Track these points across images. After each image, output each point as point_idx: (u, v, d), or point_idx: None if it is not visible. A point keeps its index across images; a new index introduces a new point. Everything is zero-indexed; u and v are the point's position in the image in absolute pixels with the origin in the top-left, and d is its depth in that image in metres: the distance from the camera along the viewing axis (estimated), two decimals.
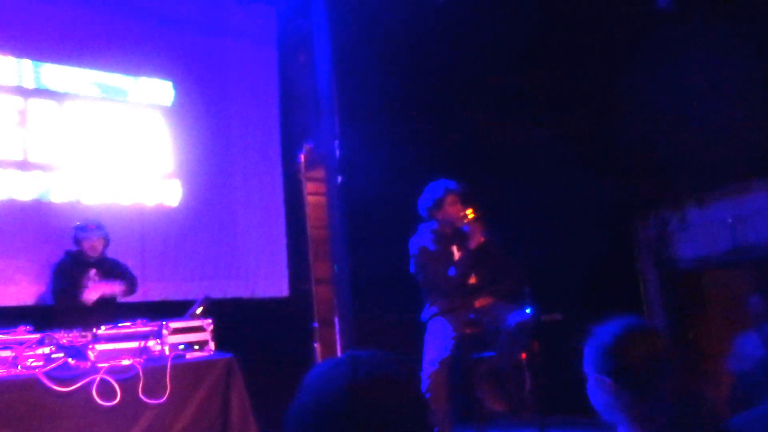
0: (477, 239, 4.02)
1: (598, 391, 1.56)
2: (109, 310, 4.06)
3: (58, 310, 4.14)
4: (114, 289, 4.21)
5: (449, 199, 4.12)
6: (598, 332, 1.58)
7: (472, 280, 4.08)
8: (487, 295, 4.10)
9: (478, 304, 4.05)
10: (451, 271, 4.03)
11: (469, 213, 4.05)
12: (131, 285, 4.35)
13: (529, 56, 5.49)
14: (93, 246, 4.25)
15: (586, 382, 1.60)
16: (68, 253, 4.34)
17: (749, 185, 4.94)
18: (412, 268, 4.18)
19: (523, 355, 4.04)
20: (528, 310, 4.08)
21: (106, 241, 4.34)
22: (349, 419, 0.93)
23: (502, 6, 5.20)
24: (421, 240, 4.15)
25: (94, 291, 4.12)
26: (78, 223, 4.35)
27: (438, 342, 3.90)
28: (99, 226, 4.32)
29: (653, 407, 1.47)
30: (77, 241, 4.27)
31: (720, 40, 4.62)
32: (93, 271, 4.27)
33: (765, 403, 1.54)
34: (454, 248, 4.13)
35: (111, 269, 4.36)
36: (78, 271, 4.25)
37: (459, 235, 4.14)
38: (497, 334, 3.90)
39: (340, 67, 5.32)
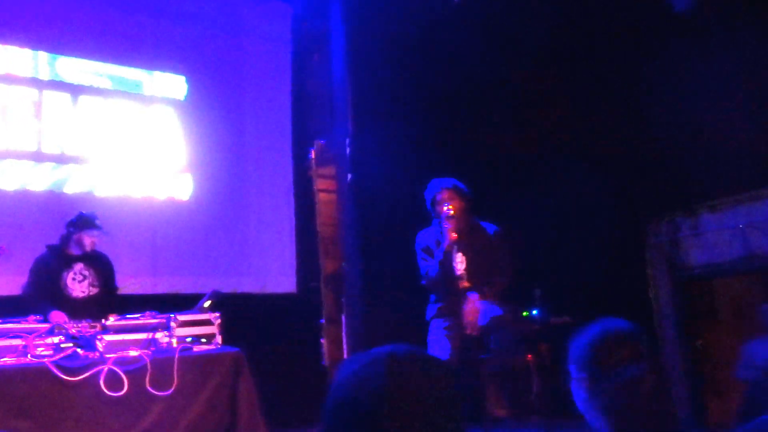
0: (448, 237, 3.91)
1: (578, 389, 1.58)
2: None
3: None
4: None
5: (439, 196, 4.07)
6: (582, 332, 1.60)
7: (465, 283, 3.95)
8: (477, 294, 3.99)
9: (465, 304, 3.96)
10: (433, 270, 4.00)
11: (449, 210, 3.94)
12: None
13: (543, 58, 5.47)
14: (93, 242, 4.01)
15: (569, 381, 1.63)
16: (50, 248, 4.05)
17: (763, 192, 4.90)
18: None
19: (530, 357, 4.00)
20: (535, 312, 4.05)
21: None
22: (386, 415, 0.93)
23: (517, 6, 5.19)
24: (420, 236, 4.16)
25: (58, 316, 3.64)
26: (84, 212, 4.06)
27: (437, 344, 3.89)
28: (101, 225, 4.04)
29: (625, 405, 1.49)
30: (75, 230, 3.97)
31: (737, 45, 4.59)
32: (80, 266, 4.02)
33: None
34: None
35: (100, 266, 4.11)
36: (61, 267, 3.97)
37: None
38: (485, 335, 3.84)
39: (354, 66, 5.31)
